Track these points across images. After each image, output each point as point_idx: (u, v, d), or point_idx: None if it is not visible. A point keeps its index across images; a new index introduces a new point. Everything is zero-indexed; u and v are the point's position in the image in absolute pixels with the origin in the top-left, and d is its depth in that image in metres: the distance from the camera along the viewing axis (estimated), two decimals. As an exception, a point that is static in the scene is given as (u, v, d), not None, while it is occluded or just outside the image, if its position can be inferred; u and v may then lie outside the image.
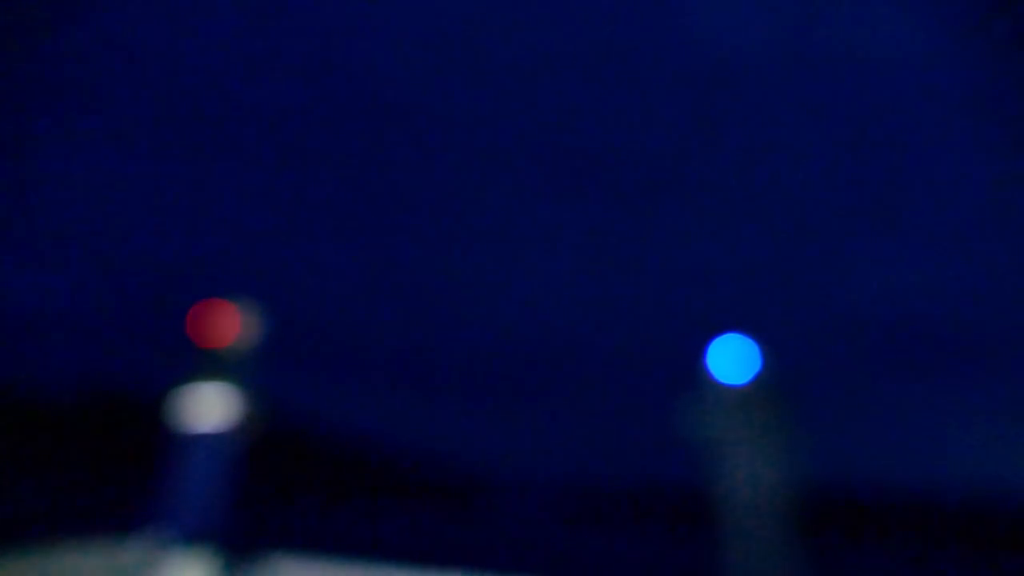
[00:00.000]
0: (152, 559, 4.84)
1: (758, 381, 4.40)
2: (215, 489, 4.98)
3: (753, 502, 4.15)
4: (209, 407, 4.97)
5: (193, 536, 4.83)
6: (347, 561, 6.76)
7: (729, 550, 4.19)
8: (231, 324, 5.21)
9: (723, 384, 4.43)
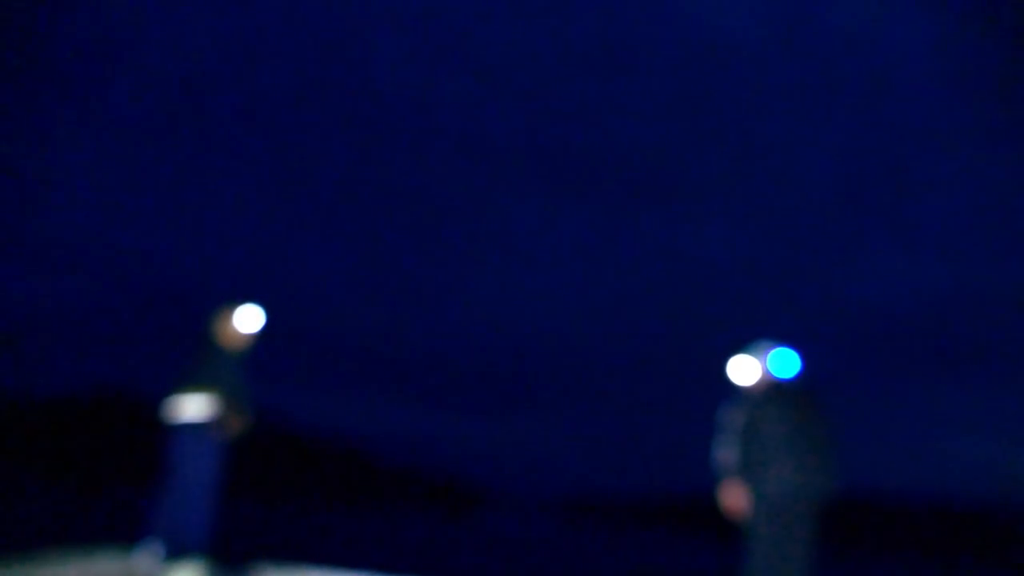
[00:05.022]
0: (145, 567, 4.75)
1: (798, 383, 4.31)
2: (209, 491, 4.88)
3: (785, 504, 4.04)
4: (204, 408, 4.88)
5: (186, 543, 4.73)
6: (338, 569, 6.65)
7: (750, 553, 4.09)
8: (231, 325, 5.14)
9: (759, 384, 4.34)
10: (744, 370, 4.40)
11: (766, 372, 4.33)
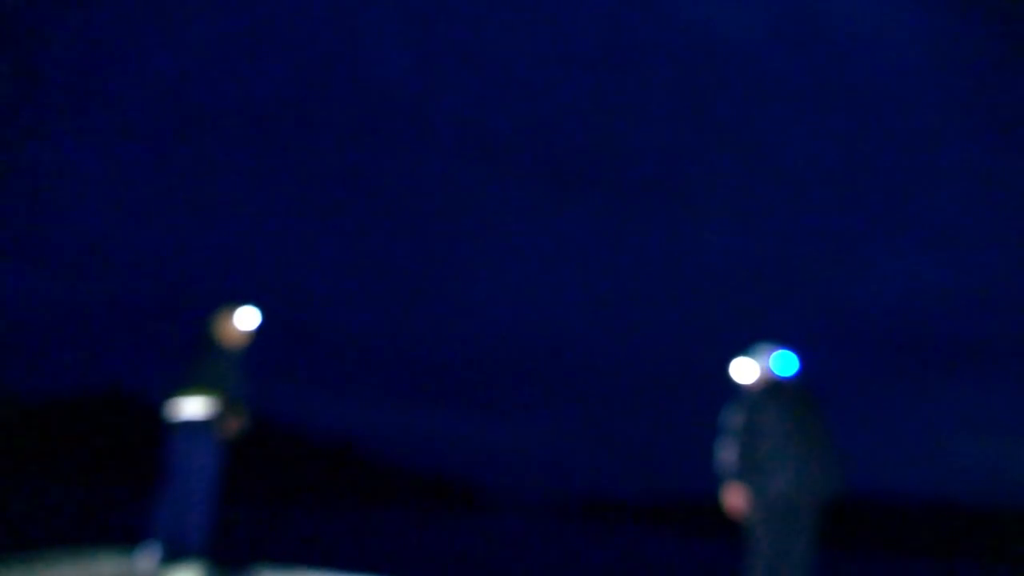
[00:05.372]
0: (145, 568, 4.74)
1: (796, 382, 4.32)
2: (208, 492, 4.87)
3: (786, 504, 4.04)
4: (204, 408, 4.88)
5: (185, 544, 4.72)
6: (338, 571, 6.64)
7: (752, 553, 4.09)
8: (231, 325, 5.14)
9: (757, 383, 4.35)
10: (745, 371, 4.41)
11: (765, 372, 4.35)
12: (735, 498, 4.14)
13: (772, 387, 4.22)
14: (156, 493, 4.91)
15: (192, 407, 4.88)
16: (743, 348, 4.45)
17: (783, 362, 4.33)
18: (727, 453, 4.17)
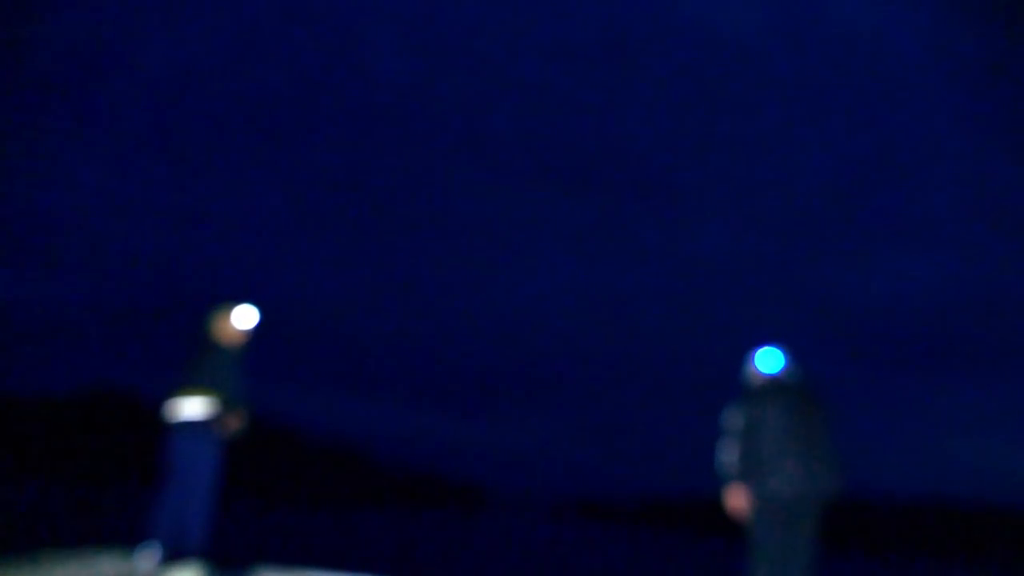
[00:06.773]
0: (145, 568, 4.73)
1: (791, 379, 4.32)
2: (208, 492, 4.86)
3: (787, 504, 4.04)
4: (203, 408, 4.87)
5: (186, 544, 4.72)
6: (338, 571, 6.64)
7: (753, 554, 4.08)
8: (229, 325, 5.13)
9: (756, 381, 4.35)
10: (749, 373, 4.41)
11: (758, 372, 4.36)
12: (736, 498, 4.13)
13: (773, 387, 4.22)
14: (156, 493, 4.90)
15: (191, 407, 4.88)
16: (743, 348, 4.45)
17: (769, 359, 4.34)
18: (728, 453, 4.16)
